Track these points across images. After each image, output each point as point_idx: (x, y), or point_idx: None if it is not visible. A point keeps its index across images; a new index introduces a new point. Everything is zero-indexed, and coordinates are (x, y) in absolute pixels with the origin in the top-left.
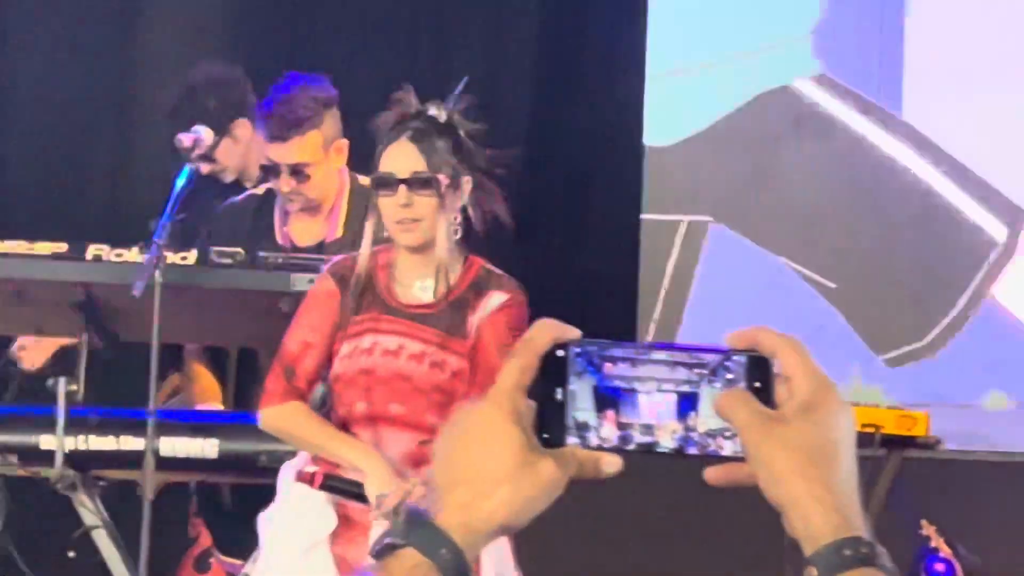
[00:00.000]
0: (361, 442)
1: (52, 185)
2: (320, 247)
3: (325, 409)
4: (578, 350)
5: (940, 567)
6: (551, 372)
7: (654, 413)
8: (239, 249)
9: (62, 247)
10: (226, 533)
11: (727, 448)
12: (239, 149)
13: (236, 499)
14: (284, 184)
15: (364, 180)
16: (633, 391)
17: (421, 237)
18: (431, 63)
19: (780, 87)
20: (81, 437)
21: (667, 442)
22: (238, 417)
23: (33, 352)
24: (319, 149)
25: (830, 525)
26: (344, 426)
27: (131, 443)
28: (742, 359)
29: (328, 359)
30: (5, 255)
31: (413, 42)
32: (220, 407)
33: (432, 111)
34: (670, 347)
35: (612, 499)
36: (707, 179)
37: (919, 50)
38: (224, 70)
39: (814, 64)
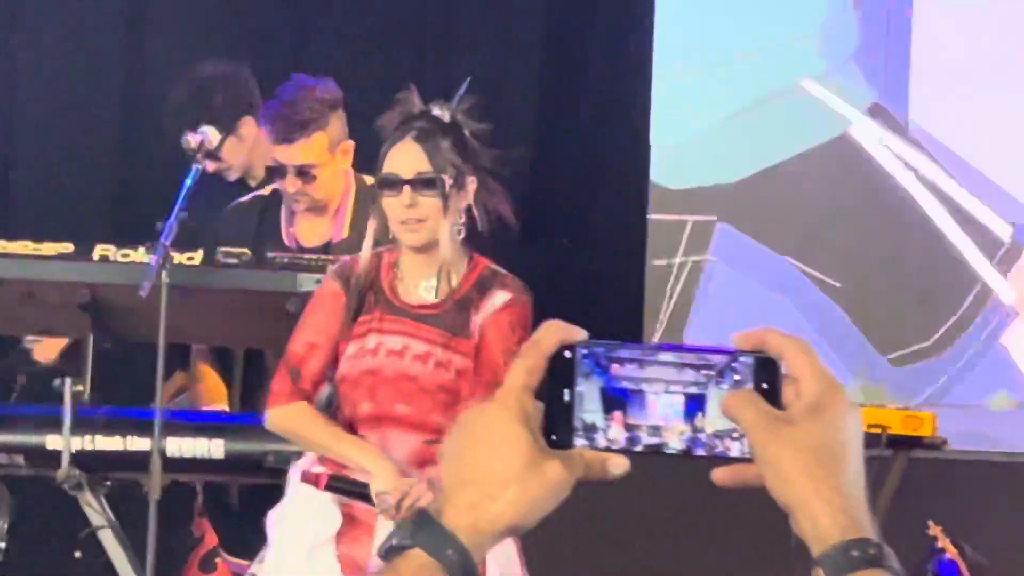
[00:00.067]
0: (367, 443)
1: (58, 186)
2: (327, 248)
3: (332, 410)
4: (585, 351)
5: (946, 566)
6: (558, 373)
7: (661, 414)
8: (245, 250)
9: (68, 248)
10: (232, 533)
11: (735, 449)
12: (244, 147)
13: (242, 499)
14: (290, 185)
15: (370, 180)
16: (640, 392)
17: (425, 237)
18: (436, 64)
19: (787, 87)
20: (88, 437)
21: (675, 443)
22: (244, 418)
23: (46, 345)
24: (325, 150)
25: (838, 526)
26: (350, 426)
27: (138, 443)
28: (749, 360)
29: (334, 360)
30: (12, 256)
31: (418, 43)
32: (226, 408)
33: (436, 111)
34: (677, 348)
35: (620, 500)
36: (713, 179)
37: (926, 49)
38: (230, 67)
39: (820, 63)
